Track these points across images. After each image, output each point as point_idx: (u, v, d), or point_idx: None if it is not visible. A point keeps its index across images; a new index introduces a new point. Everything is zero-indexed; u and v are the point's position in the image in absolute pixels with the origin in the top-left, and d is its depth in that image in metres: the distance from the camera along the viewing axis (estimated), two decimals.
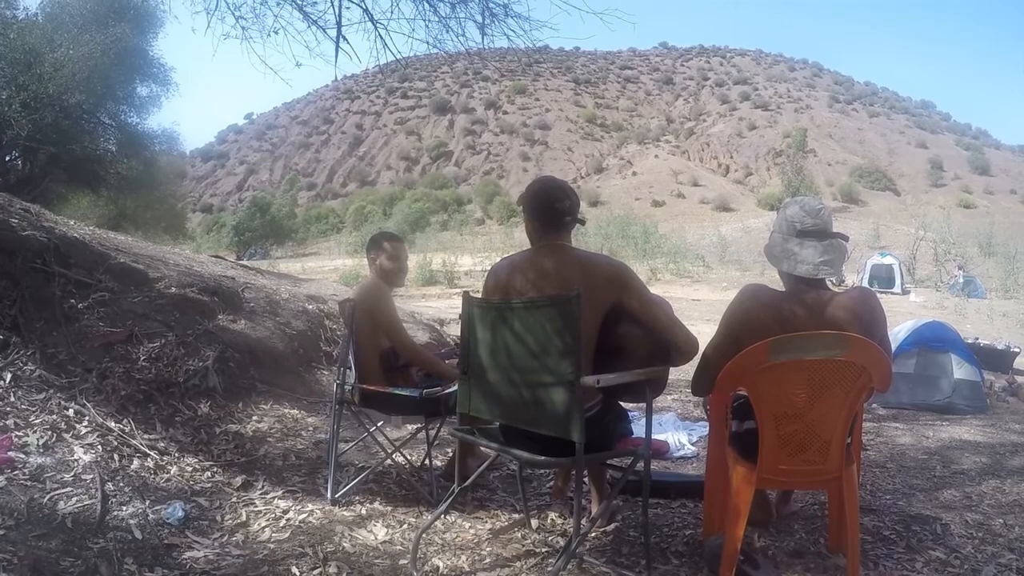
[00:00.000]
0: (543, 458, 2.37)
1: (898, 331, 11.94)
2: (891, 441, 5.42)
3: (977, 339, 15.61)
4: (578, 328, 2.18)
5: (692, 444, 4.94)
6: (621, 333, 2.59)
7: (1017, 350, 15.83)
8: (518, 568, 2.71)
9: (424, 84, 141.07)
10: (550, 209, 2.71)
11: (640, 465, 2.52)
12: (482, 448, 3.14)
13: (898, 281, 31.78)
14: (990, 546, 2.97)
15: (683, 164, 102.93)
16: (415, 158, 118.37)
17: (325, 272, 34.79)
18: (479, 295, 2.80)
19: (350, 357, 3.51)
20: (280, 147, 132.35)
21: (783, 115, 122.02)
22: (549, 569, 2.36)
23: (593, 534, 3.03)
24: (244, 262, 19.04)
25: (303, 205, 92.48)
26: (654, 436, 4.98)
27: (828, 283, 2.67)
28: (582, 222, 2.80)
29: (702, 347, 2.71)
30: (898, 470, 4.41)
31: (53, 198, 19.96)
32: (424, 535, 2.90)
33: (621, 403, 2.72)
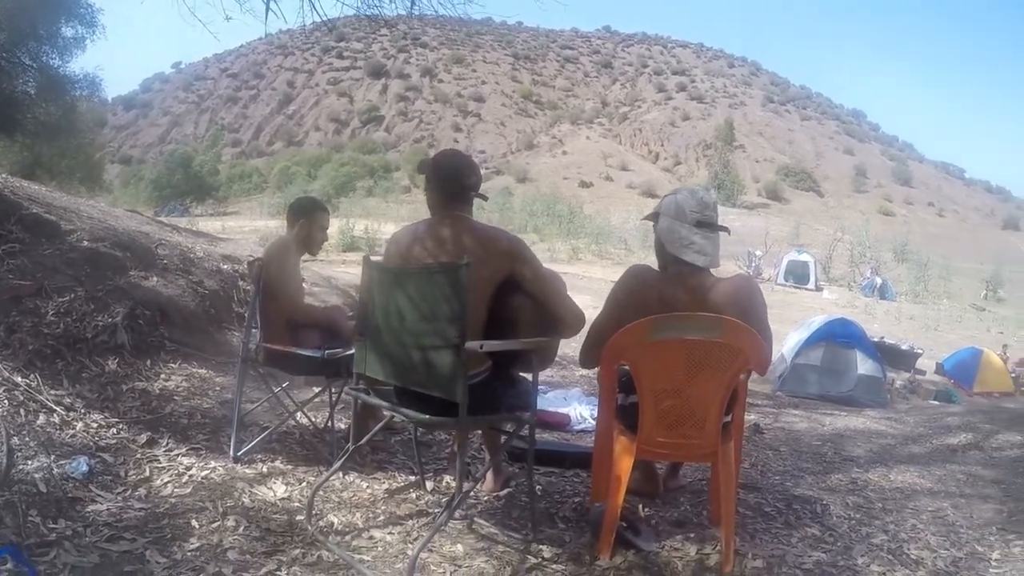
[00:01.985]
0: (428, 417, 2.42)
1: (809, 324, 12.45)
2: (789, 427, 5.66)
3: (883, 338, 16.40)
4: (465, 296, 2.26)
5: (593, 418, 5.05)
6: (514, 304, 2.67)
7: (920, 351, 16.74)
8: (410, 526, 2.78)
9: (361, 46, 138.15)
10: (457, 183, 2.79)
11: (525, 432, 2.63)
12: (379, 410, 3.17)
13: (812, 278, 33.02)
14: (865, 527, 3.16)
15: (614, 148, 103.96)
16: (345, 120, 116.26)
17: (245, 232, 33.95)
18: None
19: (256, 317, 3.49)
20: (207, 100, 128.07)
21: (717, 109, 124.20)
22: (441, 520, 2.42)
23: (486, 498, 3.11)
24: (161, 218, 18.41)
25: (227, 162, 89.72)
26: (558, 409, 5.15)
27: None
28: (484, 198, 2.91)
29: (590, 322, 2.84)
30: (790, 453, 4.63)
31: None
32: (322, 493, 2.93)
33: (524, 376, 2.77)
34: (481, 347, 2.33)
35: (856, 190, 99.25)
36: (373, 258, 2.69)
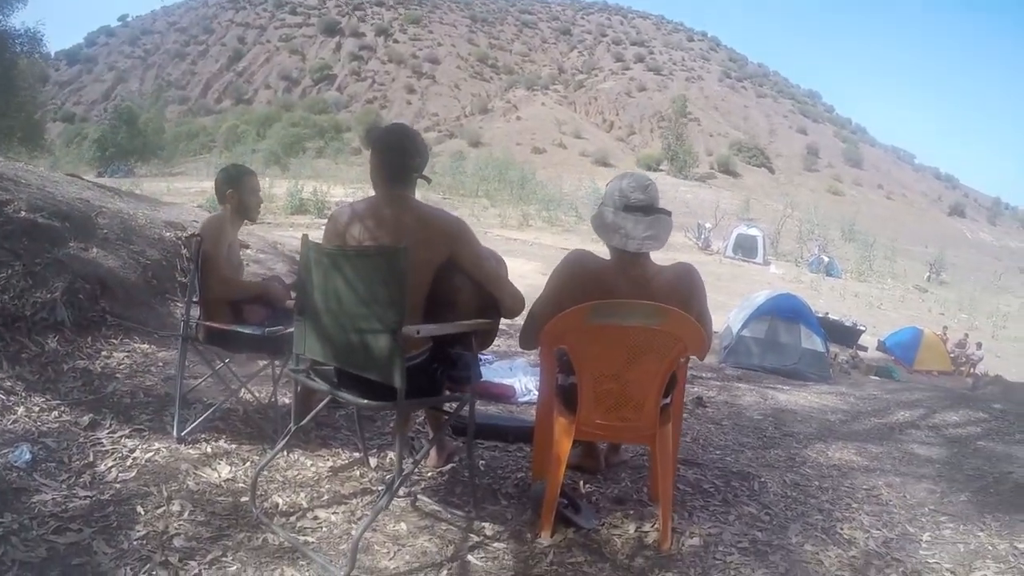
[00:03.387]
0: (366, 401, 2.41)
1: (755, 298, 12.71)
2: (732, 401, 5.77)
3: (827, 314, 16.84)
4: (403, 280, 2.24)
5: (537, 391, 5.10)
6: (454, 286, 2.67)
7: (863, 328, 17.23)
8: (354, 505, 2.79)
9: (315, 2, 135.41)
10: (399, 163, 2.74)
11: (466, 410, 2.66)
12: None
13: (760, 252, 33.65)
14: (801, 506, 3.26)
15: (568, 115, 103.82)
16: (296, 79, 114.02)
17: (191, 195, 33.15)
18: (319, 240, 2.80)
19: (195, 294, 3.44)
20: (154, 55, 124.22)
21: (674, 82, 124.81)
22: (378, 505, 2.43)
23: (429, 474, 3.14)
24: (102, 180, 17.70)
25: (173, 120, 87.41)
26: (502, 380, 5.18)
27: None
28: (427, 180, 2.87)
29: (529, 304, 2.85)
30: (732, 428, 4.73)
31: None
32: (266, 472, 2.91)
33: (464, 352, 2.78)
34: (418, 332, 2.33)
35: (807, 168, 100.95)
36: (311, 237, 2.64)
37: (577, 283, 2.70)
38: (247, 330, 3.28)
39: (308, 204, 30.29)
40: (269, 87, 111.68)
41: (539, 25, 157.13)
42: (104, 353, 4.28)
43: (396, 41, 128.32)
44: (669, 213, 2.81)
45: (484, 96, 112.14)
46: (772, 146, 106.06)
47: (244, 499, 2.71)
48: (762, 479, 3.54)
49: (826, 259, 34.62)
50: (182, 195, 27.49)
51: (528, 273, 19.56)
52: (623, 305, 2.53)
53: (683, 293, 2.68)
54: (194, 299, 3.47)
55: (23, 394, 3.40)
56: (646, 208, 2.71)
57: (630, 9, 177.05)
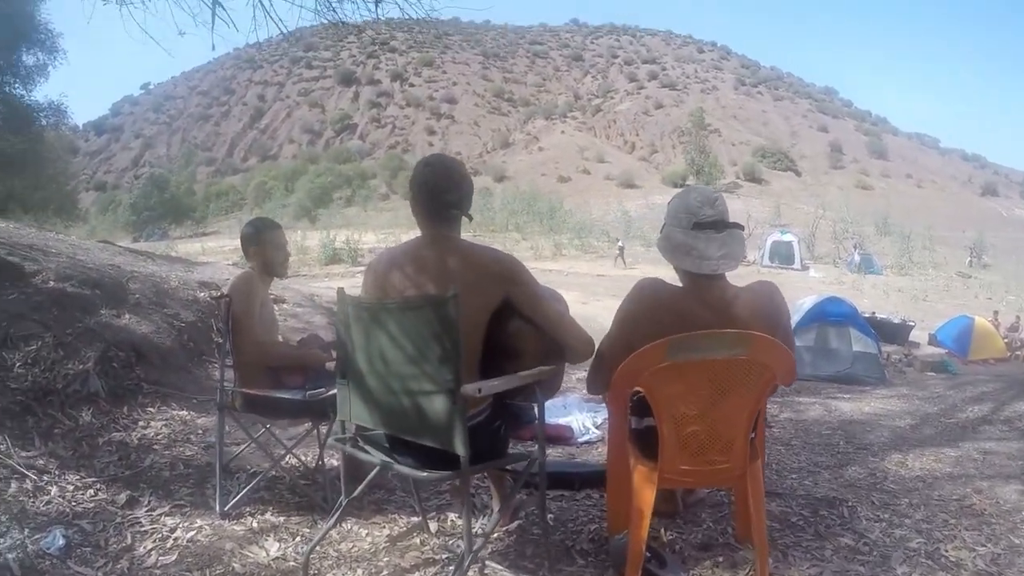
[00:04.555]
0: (425, 474, 2.18)
1: (800, 305, 12.33)
2: (797, 417, 5.49)
3: (874, 313, 16.35)
4: (456, 331, 2.01)
5: (597, 427, 4.82)
6: (512, 331, 2.41)
7: (912, 323, 16.69)
8: None
9: (329, 54, 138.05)
10: (435, 200, 2.47)
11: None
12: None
13: (797, 258, 33.10)
14: (898, 529, 2.97)
15: (589, 140, 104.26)
16: (318, 131, 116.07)
17: (225, 252, 33.53)
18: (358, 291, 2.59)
19: (229, 359, 3.27)
20: (178, 119, 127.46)
21: (690, 95, 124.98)
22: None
23: (496, 535, 2.87)
24: (135, 246, 17.92)
25: (202, 181, 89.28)
26: (557, 420, 4.92)
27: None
28: (469, 217, 2.55)
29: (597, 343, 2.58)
30: (803, 447, 4.45)
31: None
32: (318, 549, 2.70)
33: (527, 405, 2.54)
34: (479, 391, 2.08)
35: (833, 166, 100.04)
36: (349, 291, 2.43)
37: (650, 317, 2.41)
38: (287, 395, 3.10)
39: (342, 253, 30.51)
40: (293, 141, 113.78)
41: (550, 54, 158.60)
42: (141, 423, 4.15)
43: (412, 85, 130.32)
44: (742, 227, 2.54)
45: (504, 130, 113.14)
46: (795, 148, 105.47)
47: None
48: (850, 503, 3.25)
49: (857, 258, 33.88)
50: (216, 254, 27.81)
51: (569, 303, 19.27)
52: (704, 337, 2.24)
53: (768, 315, 2.42)
54: (228, 363, 3.30)
55: (56, 472, 3.26)
56: (717, 224, 2.44)
57: (637, 28, 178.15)
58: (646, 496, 2.33)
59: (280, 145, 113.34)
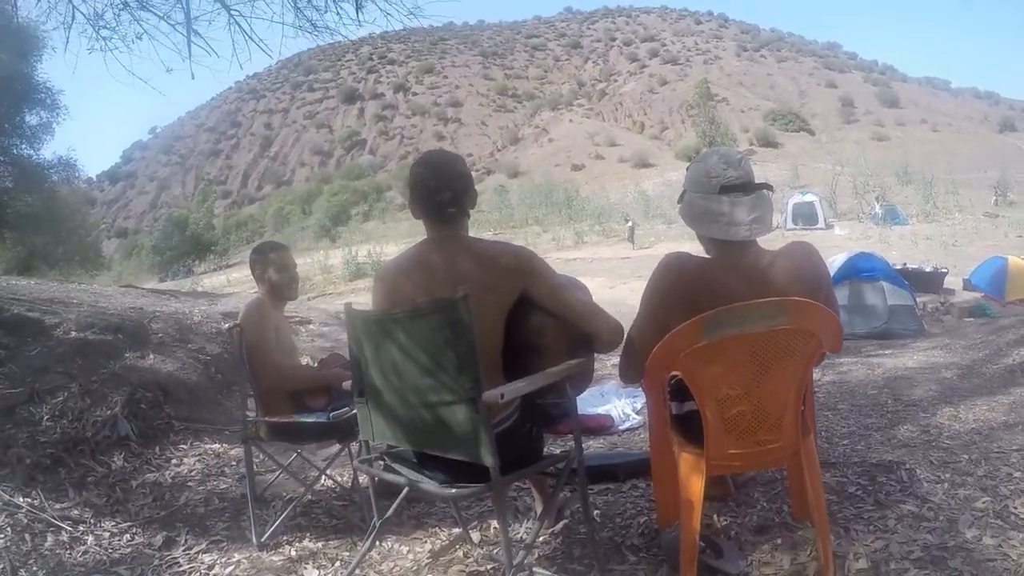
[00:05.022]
0: (454, 491, 2.05)
1: (830, 263, 12.07)
2: (840, 380, 5.34)
3: (905, 264, 16.00)
4: (471, 335, 1.86)
5: (637, 413, 4.69)
6: (534, 327, 2.25)
7: (945, 270, 16.30)
8: None
9: (329, 75, 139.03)
10: (430, 202, 2.32)
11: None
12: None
13: (821, 217, 32.57)
14: (961, 488, 2.81)
15: (598, 126, 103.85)
16: (328, 151, 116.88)
17: (251, 281, 33.57)
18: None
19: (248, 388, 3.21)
20: (189, 158, 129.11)
21: (693, 68, 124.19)
22: None
23: (541, 538, 2.76)
24: (159, 286, 18.13)
25: (220, 214, 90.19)
26: (596, 410, 4.79)
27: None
28: (465, 214, 2.38)
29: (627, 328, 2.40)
30: (850, 410, 4.30)
31: None
32: (358, 572, 2.61)
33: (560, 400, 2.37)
34: (503, 397, 1.91)
35: (846, 121, 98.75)
36: (355, 305, 2.32)
37: (680, 294, 2.23)
38: (311, 419, 3.02)
39: (365, 267, 30.50)
40: (304, 164, 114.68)
41: (548, 45, 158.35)
42: (174, 462, 4.13)
43: (415, 93, 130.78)
44: (771, 188, 2.37)
45: (512, 126, 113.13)
46: (806, 107, 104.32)
47: None
48: (907, 466, 3.07)
49: (880, 210, 33.24)
50: (242, 284, 27.98)
51: (596, 289, 19.09)
52: (741, 309, 2.04)
53: (808, 278, 2.22)
54: (249, 393, 3.23)
55: (92, 521, 3.24)
56: (745, 186, 2.25)
57: (632, 8, 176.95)
58: (695, 485, 2.16)
59: (292, 170, 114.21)
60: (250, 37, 5.18)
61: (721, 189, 2.24)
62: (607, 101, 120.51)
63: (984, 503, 2.65)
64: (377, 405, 2.20)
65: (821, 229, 31.15)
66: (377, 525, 2.41)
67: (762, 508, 2.80)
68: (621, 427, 4.53)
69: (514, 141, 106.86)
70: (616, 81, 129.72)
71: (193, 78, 5.23)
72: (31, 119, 18.37)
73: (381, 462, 2.35)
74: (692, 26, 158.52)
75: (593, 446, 4.17)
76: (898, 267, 13.82)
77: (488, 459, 1.89)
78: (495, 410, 1.96)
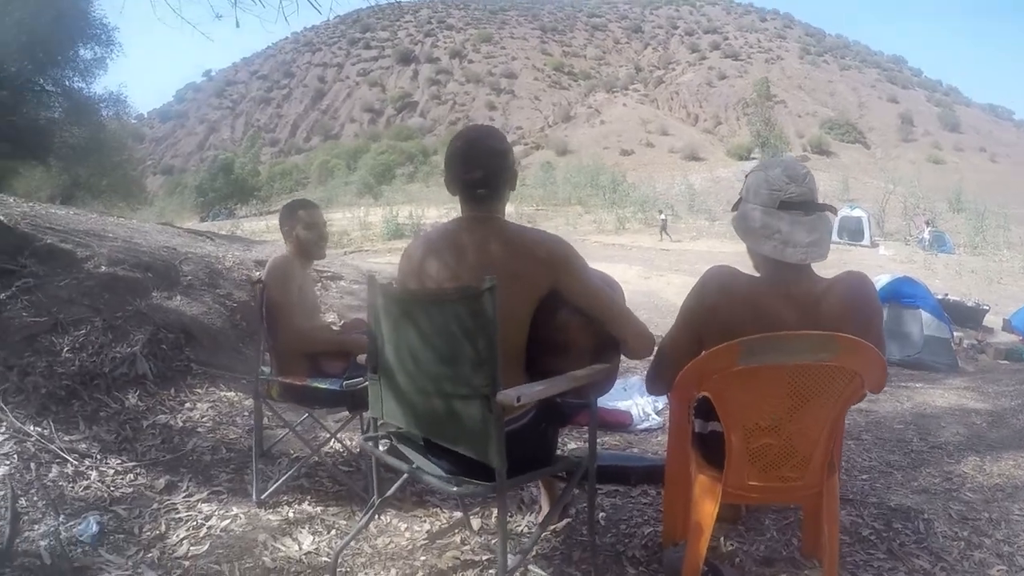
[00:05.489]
0: (455, 488, 1.97)
1: (874, 282, 11.82)
2: (867, 407, 5.18)
3: (947, 295, 15.63)
4: (493, 330, 1.76)
5: (658, 414, 4.59)
6: (561, 323, 2.14)
7: (987, 308, 15.91)
8: None
9: (387, 34, 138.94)
10: (459, 181, 2.20)
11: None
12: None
13: (867, 234, 31.97)
14: (977, 551, 2.68)
15: (652, 113, 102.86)
16: (379, 110, 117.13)
17: None
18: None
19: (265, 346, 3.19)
20: (240, 103, 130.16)
21: (753, 65, 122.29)
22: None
23: (542, 534, 2.66)
24: (199, 226, 18.45)
25: (266, 162, 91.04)
26: (616, 404, 4.69)
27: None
28: (501, 197, 2.24)
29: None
30: (874, 443, 4.17)
31: (2, 172, 19.60)
32: (352, 544, 2.58)
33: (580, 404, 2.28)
34: (518, 400, 1.81)
35: (903, 139, 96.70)
36: (380, 279, 2.25)
37: (722, 311, 2.08)
38: (323, 384, 2.98)
39: (404, 228, 30.65)
40: (354, 120, 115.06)
41: (609, 27, 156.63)
42: (187, 405, 4.12)
43: (471, 61, 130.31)
44: (834, 210, 2.23)
45: (565, 104, 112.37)
46: (863, 119, 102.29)
47: None
48: (925, 516, 2.96)
49: (928, 235, 32.49)
50: (279, 232, 28.26)
51: (631, 278, 18.95)
52: (785, 338, 1.91)
53: (861, 313, 2.05)
54: (265, 353, 3.22)
55: (98, 456, 3.25)
56: (806, 205, 2.08)
57: None
58: (707, 509, 2.06)
59: (342, 124, 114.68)
60: None
61: (781, 204, 2.08)
62: (663, 89, 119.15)
63: (998, 572, 2.53)
64: (389, 385, 2.13)
65: (866, 246, 30.62)
66: (376, 503, 2.37)
67: (771, 538, 2.71)
68: (639, 426, 4.43)
69: (566, 119, 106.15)
70: (674, 70, 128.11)
71: (238, 26, 5.14)
72: (85, 53, 18.65)
73: (387, 440, 2.30)
74: (756, 23, 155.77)
75: (608, 442, 4.09)
76: (939, 297, 13.51)
77: (496, 460, 1.81)
78: (510, 408, 1.87)
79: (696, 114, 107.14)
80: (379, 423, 2.31)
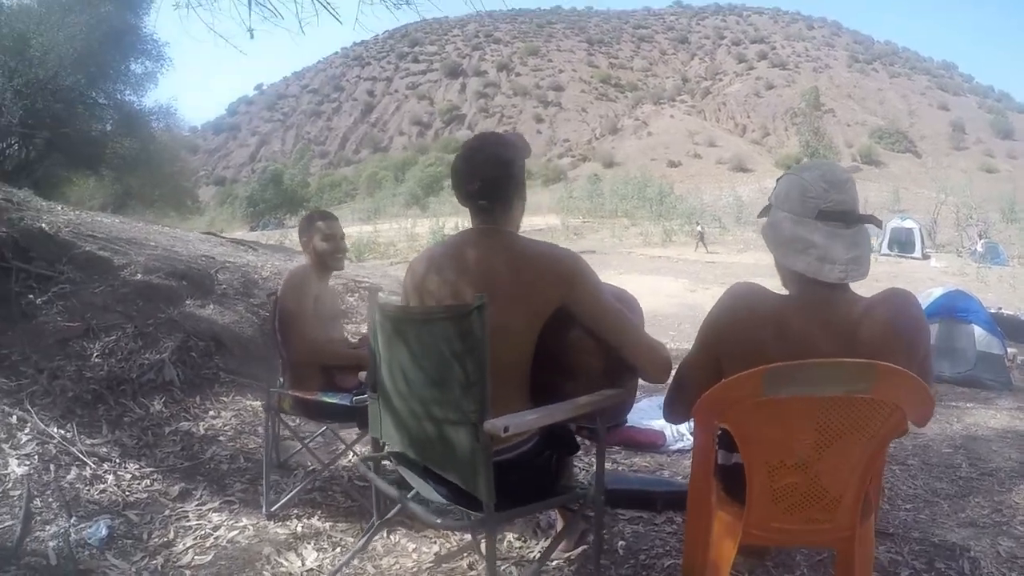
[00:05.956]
0: (440, 521, 1.84)
1: (927, 296, 11.38)
2: (914, 429, 4.88)
3: (1000, 309, 15.04)
4: (482, 352, 1.62)
5: (692, 435, 4.40)
6: (569, 344, 1.97)
7: None
8: None
9: (435, 48, 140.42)
10: (459, 191, 2.07)
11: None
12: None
13: (918, 246, 31.13)
14: None
15: (699, 124, 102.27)
16: (427, 123, 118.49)
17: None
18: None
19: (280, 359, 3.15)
20: (291, 116, 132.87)
21: (801, 75, 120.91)
22: None
23: (555, 562, 2.54)
24: (245, 235, 18.93)
25: (316, 173, 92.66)
26: (649, 423, 4.51)
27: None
28: (505, 207, 2.08)
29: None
30: (920, 469, 3.91)
31: (56, 181, 20.36)
32: (356, 563, 2.50)
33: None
34: (506, 430, 1.63)
35: (955, 147, 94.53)
36: (382, 295, 2.15)
37: (744, 333, 1.81)
38: (333, 399, 2.92)
39: None
40: (403, 133, 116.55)
41: (656, 38, 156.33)
42: (211, 413, 4.15)
43: (518, 74, 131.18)
44: (879, 222, 1.98)
45: (612, 116, 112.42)
46: (914, 128, 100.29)
47: None
48: (972, 554, 2.69)
49: (980, 248, 31.45)
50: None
51: (677, 292, 18.67)
52: (816, 367, 1.64)
53: (905, 338, 1.75)
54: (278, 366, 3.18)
55: (117, 461, 3.27)
56: (847, 215, 1.78)
57: (744, 7, 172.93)
58: (726, 550, 1.84)
59: (390, 137, 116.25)
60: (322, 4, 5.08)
61: (819, 214, 1.78)
62: (710, 100, 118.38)
63: None
64: (386, 404, 2.03)
65: (917, 259, 29.81)
66: (376, 524, 2.29)
67: (802, 575, 2.50)
68: (672, 447, 4.18)
69: (613, 131, 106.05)
70: (721, 80, 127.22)
71: (252, 37, 5.14)
72: (136, 68, 19.85)
73: (388, 461, 2.20)
74: (804, 31, 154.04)
75: (638, 463, 3.91)
76: (992, 311, 13.02)
77: (483, 493, 1.68)
78: (499, 438, 1.70)
79: (744, 124, 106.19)
80: (382, 443, 2.21)
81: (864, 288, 1.85)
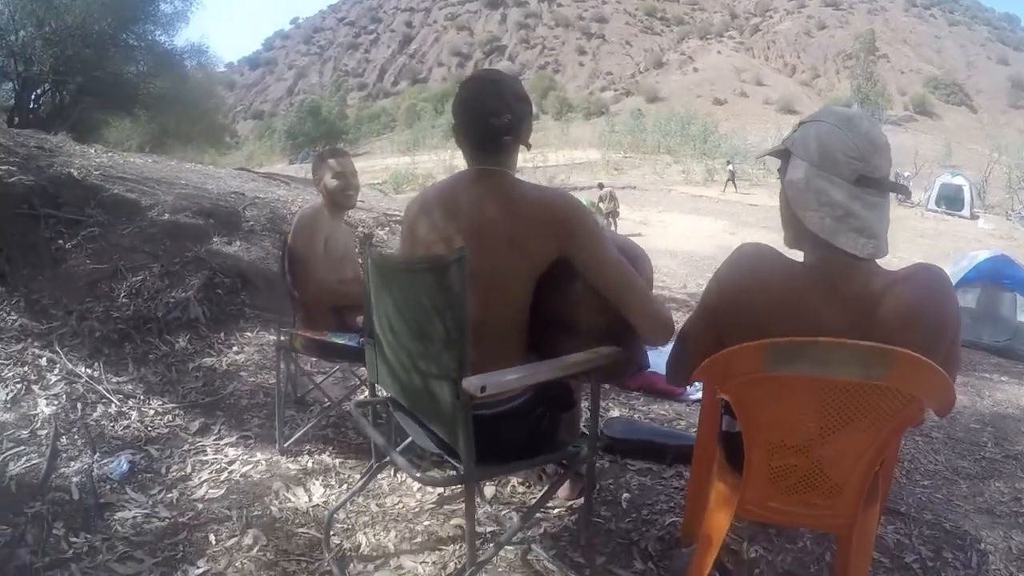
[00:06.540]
0: (419, 475, 1.80)
1: (973, 258, 10.94)
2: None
3: None
4: (461, 307, 1.53)
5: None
6: (568, 299, 1.88)
7: None
8: (448, 553, 2.26)
9: None
10: (482, 125, 1.91)
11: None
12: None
13: (967, 204, 30.22)
14: None
15: (747, 62, 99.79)
16: (467, 54, 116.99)
17: (375, 172, 34.34)
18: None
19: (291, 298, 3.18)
20: (328, 49, 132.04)
21: (855, 16, 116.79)
22: (481, 557, 1.82)
23: (556, 511, 2.51)
24: (284, 168, 19.24)
25: (354, 106, 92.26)
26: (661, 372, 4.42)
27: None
28: (527, 146, 1.99)
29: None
30: (944, 443, 3.75)
31: (94, 124, 20.82)
32: (360, 500, 2.54)
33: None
34: (483, 391, 1.55)
35: (1012, 105, 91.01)
36: (375, 242, 2.08)
37: (749, 300, 1.62)
38: (341, 340, 2.92)
39: None
40: (442, 64, 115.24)
41: None
42: (235, 348, 4.23)
43: (560, 5, 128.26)
44: (908, 191, 1.80)
45: (657, 50, 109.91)
46: (971, 81, 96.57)
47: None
48: (982, 547, 2.54)
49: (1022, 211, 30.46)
50: (366, 173, 28.53)
51: (716, 233, 18.32)
52: (824, 346, 1.45)
53: (930, 322, 1.55)
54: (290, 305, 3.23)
55: (141, 398, 3.37)
56: (883, 184, 1.57)
57: None
58: (719, 521, 1.75)
59: (429, 68, 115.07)
60: None
61: (859, 179, 1.54)
62: (759, 37, 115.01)
63: None
64: (379, 351, 1.99)
65: (965, 218, 29.02)
66: (375, 467, 2.32)
67: (803, 548, 2.38)
68: (692, 396, 4.02)
69: (657, 65, 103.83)
70: (771, 17, 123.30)
71: None
72: (166, 7, 20.14)
73: (386, 405, 2.17)
74: None
75: (656, 411, 3.82)
76: None
77: (463, 450, 1.63)
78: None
79: (793, 65, 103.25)
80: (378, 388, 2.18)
81: (909, 244, 1.69)
